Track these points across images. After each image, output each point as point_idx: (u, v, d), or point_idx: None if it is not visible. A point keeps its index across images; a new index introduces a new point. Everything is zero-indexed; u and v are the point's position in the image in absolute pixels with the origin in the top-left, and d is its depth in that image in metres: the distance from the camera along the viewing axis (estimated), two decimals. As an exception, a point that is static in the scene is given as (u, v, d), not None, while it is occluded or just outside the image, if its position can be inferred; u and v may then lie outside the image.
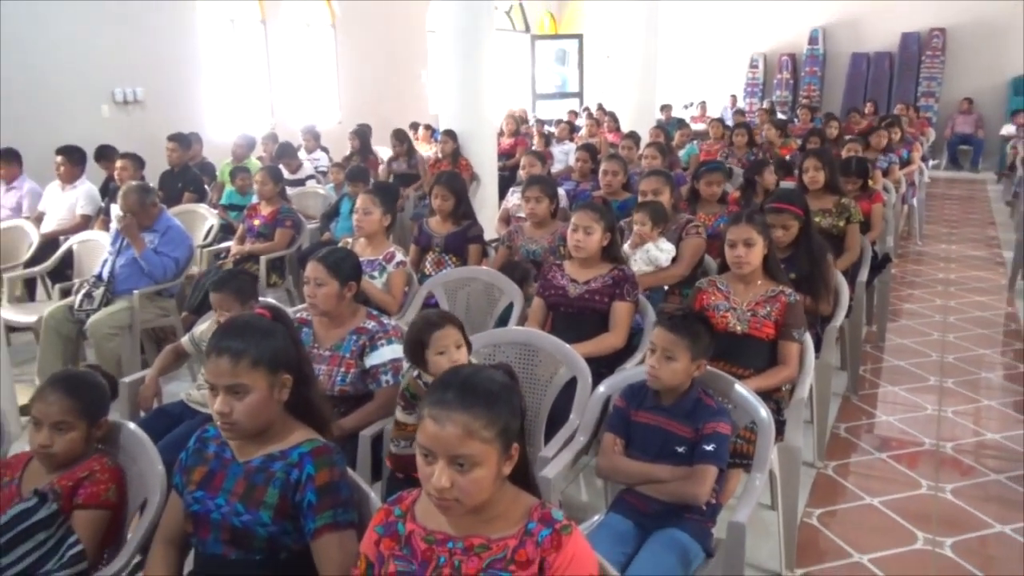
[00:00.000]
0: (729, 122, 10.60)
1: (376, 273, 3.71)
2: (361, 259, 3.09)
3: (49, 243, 5.29)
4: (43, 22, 7.51)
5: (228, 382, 1.68)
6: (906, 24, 13.91)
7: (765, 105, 13.41)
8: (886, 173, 6.93)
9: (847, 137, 7.82)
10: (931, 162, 11.08)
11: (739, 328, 2.88)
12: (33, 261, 5.13)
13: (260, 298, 3.16)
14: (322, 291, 2.70)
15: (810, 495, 3.26)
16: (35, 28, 7.44)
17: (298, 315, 2.91)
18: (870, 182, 5.21)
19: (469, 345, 2.38)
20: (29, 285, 5.33)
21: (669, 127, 9.53)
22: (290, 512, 1.69)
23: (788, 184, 5.05)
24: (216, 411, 1.70)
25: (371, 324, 2.75)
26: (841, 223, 4.40)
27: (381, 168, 8.15)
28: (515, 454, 1.45)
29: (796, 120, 11.68)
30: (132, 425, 2.16)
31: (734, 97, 14.59)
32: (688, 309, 2.77)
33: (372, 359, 2.68)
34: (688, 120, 11.84)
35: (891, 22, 13.99)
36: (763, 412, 2.35)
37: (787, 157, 6.71)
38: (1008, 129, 11.94)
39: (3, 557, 1.86)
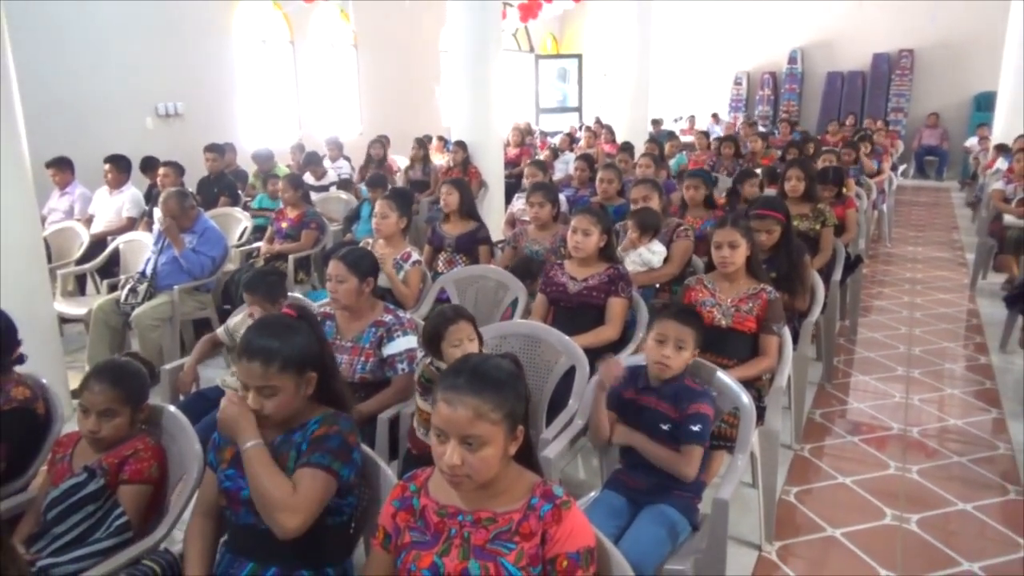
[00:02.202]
0: (714, 135, 10.57)
1: (395, 271, 3.71)
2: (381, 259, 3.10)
3: (98, 243, 5.31)
4: (94, 43, 7.53)
5: (259, 384, 1.68)
6: (877, 45, 13.85)
7: (748, 119, 13.39)
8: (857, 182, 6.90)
9: (824, 148, 7.79)
10: (900, 169, 11.03)
11: (724, 322, 2.88)
12: (83, 259, 5.15)
13: (290, 294, 3.16)
14: (343, 287, 2.71)
15: (788, 474, 3.25)
16: (86, 48, 7.45)
17: (322, 309, 2.91)
18: (844, 189, 5.19)
19: (480, 338, 2.38)
20: (80, 281, 5.35)
21: (660, 139, 9.51)
22: None
23: (771, 191, 5.03)
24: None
25: (388, 317, 2.75)
26: (817, 226, 4.39)
27: (398, 175, 8.14)
28: (520, 435, 1.46)
29: (776, 133, 11.65)
30: (172, 408, 2.16)
31: (716, 115, 14.58)
32: (682, 302, 2.76)
33: (389, 349, 2.68)
34: (678, 132, 11.82)
35: (863, 43, 13.93)
36: (745, 399, 2.35)
37: (768, 166, 6.70)
38: (971, 142, 11.87)
39: (57, 526, 1.87)
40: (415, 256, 3.81)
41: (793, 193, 4.49)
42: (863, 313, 5.43)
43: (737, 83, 15.38)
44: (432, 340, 2.33)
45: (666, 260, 3.86)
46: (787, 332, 2.97)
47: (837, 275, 4.28)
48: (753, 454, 2.58)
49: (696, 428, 2.16)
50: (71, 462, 2.00)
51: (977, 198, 9.30)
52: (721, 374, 2.42)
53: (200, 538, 1.80)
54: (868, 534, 2.82)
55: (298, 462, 1.68)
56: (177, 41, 8.42)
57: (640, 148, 8.14)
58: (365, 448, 1.84)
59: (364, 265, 2.76)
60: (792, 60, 14.68)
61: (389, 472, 1.85)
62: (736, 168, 7.28)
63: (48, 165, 5.76)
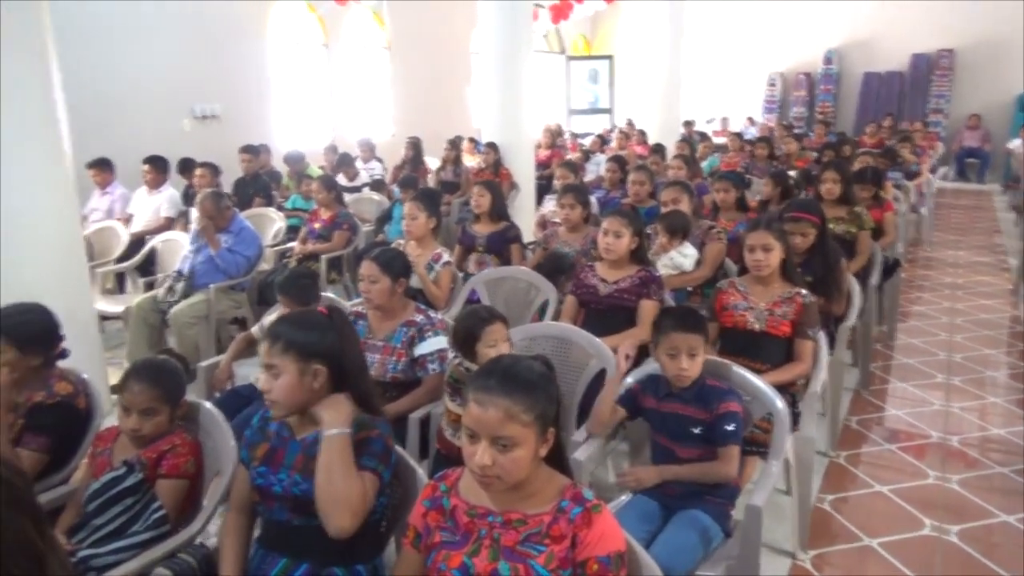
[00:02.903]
0: (748, 137, 10.46)
1: (426, 272, 3.73)
2: (412, 258, 3.12)
3: (137, 242, 5.41)
4: (133, 46, 7.69)
5: (266, 362, 1.72)
6: (916, 45, 13.56)
7: (783, 121, 13.22)
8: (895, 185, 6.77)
9: (860, 151, 7.66)
10: (940, 171, 10.79)
11: (757, 326, 2.84)
12: (123, 258, 5.25)
13: (323, 294, 3.20)
14: (376, 287, 2.73)
15: (823, 482, 3.19)
16: (127, 51, 7.62)
17: (354, 308, 2.94)
18: (881, 192, 5.09)
19: (509, 343, 2.39)
20: (119, 279, 5.46)
21: (693, 142, 9.42)
22: None
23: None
24: (261, 387, 1.74)
25: (419, 317, 2.76)
26: (854, 230, 4.31)
27: (430, 176, 8.19)
28: (551, 438, 1.45)
29: (811, 135, 11.48)
30: (208, 404, 2.20)
31: (751, 118, 14.36)
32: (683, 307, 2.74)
33: (420, 349, 2.70)
34: (710, 134, 11.71)
35: (902, 43, 13.65)
36: (779, 404, 2.32)
37: (803, 168, 6.60)
38: (1015, 143, 11.56)
39: (97, 518, 1.91)
40: (446, 257, 3.83)
41: (829, 196, 4.42)
42: (901, 318, 5.32)
43: (771, 84, 15.18)
44: (466, 341, 2.34)
45: (698, 263, 3.83)
46: (823, 337, 2.92)
47: (874, 279, 4.21)
48: (787, 460, 2.53)
49: (731, 428, 2.14)
50: (111, 456, 2.04)
51: (1022, 202, 9.07)
52: (751, 376, 2.39)
53: (234, 533, 1.83)
54: (906, 544, 2.76)
55: None
56: (214, 44, 8.57)
57: (672, 150, 8.07)
58: (397, 448, 1.85)
59: (396, 266, 2.77)
60: (828, 60, 14.45)
61: (420, 472, 1.86)
62: (770, 170, 7.18)
63: (89, 166, 5.89)
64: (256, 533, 1.85)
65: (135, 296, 4.68)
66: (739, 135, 9.76)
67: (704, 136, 10.66)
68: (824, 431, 3.40)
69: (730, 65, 15.30)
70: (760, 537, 2.01)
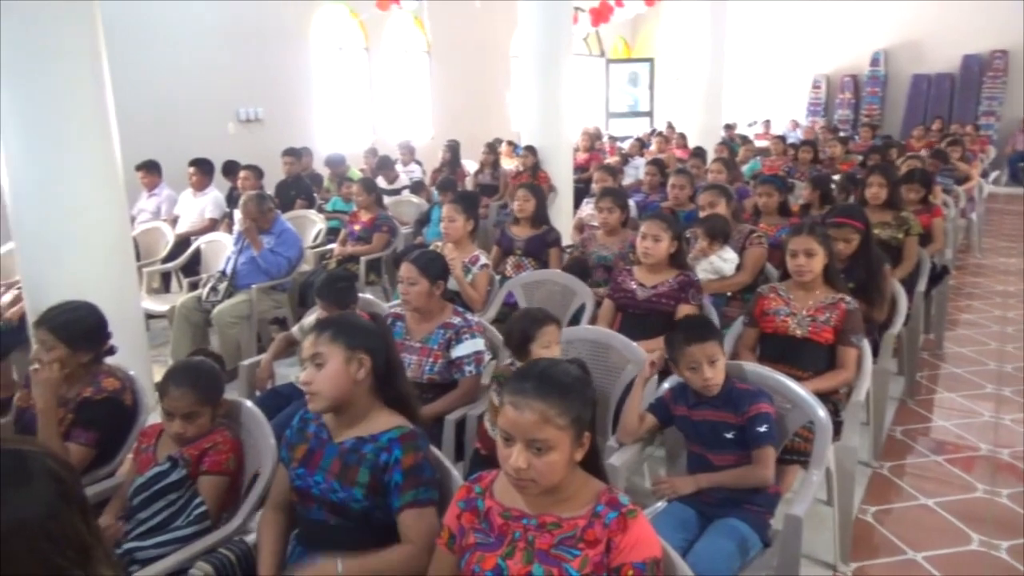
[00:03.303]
0: (791, 141, 10.28)
1: (463, 273, 3.74)
2: (450, 261, 3.14)
3: (182, 242, 5.54)
4: (180, 51, 7.89)
5: (310, 352, 1.74)
6: (967, 46, 13.20)
7: (828, 124, 12.98)
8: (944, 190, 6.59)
9: (908, 154, 7.48)
10: (992, 175, 10.47)
11: (799, 332, 2.79)
12: (168, 258, 5.39)
13: (360, 295, 3.23)
14: (414, 289, 2.75)
15: (866, 493, 3.12)
16: (174, 56, 7.82)
17: (392, 310, 2.96)
18: (930, 197, 4.96)
19: (560, 346, 2.44)
20: (165, 278, 5.59)
21: (733, 145, 9.30)
22: (380, 489, 1.71)
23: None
24: (302, 381, 1.75)
25: (457, 320, 2.78)
26: (900, 235, 4.20)
27: (468, 179, 8.23)
28: (586, 442, 1.45)
29: (857, 138, 11.24)
30: (249, 403, 2.24)
31: (795, 121, 14.12)
32: (698, 317, 2.69)
33: (457, 351, 2.71)
34: (752, 137, 11.55)
35: (953, 44, 13.29)
36: (821, 412, 2.27)
37: (848, 172, 6.47)
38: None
39: (142, 512, 1.96)
40: (483, 259, 3.84)
41: (874, 200, 4.32)
42: (950, 327, 5.17)
43: (816, 86, 14.92)
44: (521, 341, 2.40)
45: (738, 268, 3.78)
46: (866, 344, 2.86)
47: (921, 286, 4.10)
48: (829, 470, 2.48)
49: (763, 429, 2.12)
50: (155, 452, 2.09)
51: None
52: (792, 384, 2.35)
53: (272, 529, 1.86)
54: (952, 559, 2.68)
55: (401, 500, 1.69)
56: (258, 49, 8.75)
57: (712, 154, 7.98)
58: (434, 450, 1.86)
59: (435, 268, 2.79)
60: (875, 62, 14.15)
61: (456, 474, 1.87)
62: (813, 174, 7.05)
63: (138, 168, 6.06)
64: (295, 531, 1.88)
65: (180, 295, 4.79)
66: (782, 138, 9.60)
67: (746, 139, 10.51)
68: (867, 441, 3.32)
69: (774, 67, 15.08)
70: (800, 547, 1.98)
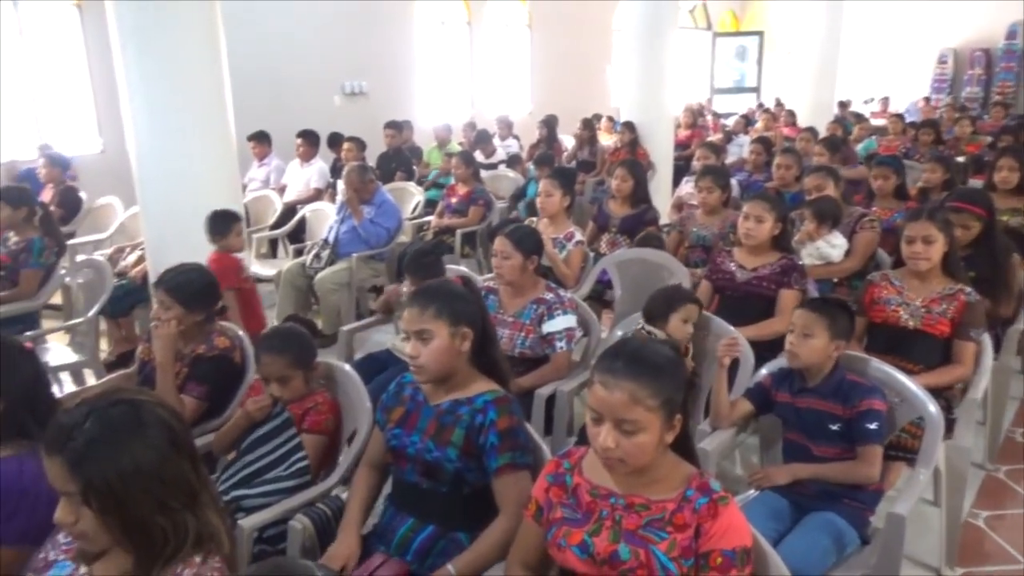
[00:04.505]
0: (914, 119, 9.63)
1: (557, 250, 3.73)
2: (544, 236, 3.13)
3: (289, 211, 5.78)
4: (290, 26, 8.17)
5: (416, 328, 1.76)
6: (1124, 16, 11.95)
7: (955, 102, 12.08)
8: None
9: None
10: None
11: (911, 323, 2.63)
12: (276, 225, 5.64)
13: (453, 267, 3.29)
14: (508, 263, 2.76)
15: (977, 496, 2.93)
16: (283, 33, 8.11)
17: (486, 284, 2.99)
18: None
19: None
20: (272, 245, 5.86)
21: (847, 124, 8.80)
22: (473, 452, 1.75)
23: (976, 182, 4.51)
24: (407, 354, 1.79)
25: (549, 295, 2.78)
26: (1033, 223, 3.88)
27: (565, 155, 8.18)
28: (677, 424, 1.42)
29: (987, 117, 10.42)
30: (347, 367, 2.32)
31: (927, 99, 13.11)
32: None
33: (549, 326, 2.71)
34: (867, 115, 10.90)
35: (1106, 14, 12.06)
36: (932, 408, 2.14)
37: (975, 154, 6.01)
38: None
39: (249, 455, 2.08)
40: (578, 236, 3.81)
41: (1004, 185, 4.00)
42: (1083, 324, 4.74)
43: (942, 61, 13.90)
44: (661, 309, 2.55)
45: (847, 253, 3.59)
46: (987, 339, 2.66)
47: (1054, 279, 3.77)
48: (937, 469, 2.35)
49: (873, 426, 2.02)
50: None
51: None
52: (901, 376, 2.22)
53: (363, 486, 1.93)
54: (1073, 574, 2.49)
55: (498, 461, 1.72)
56: (364, 24, 8.95)
57: (823, 132, 7.59)
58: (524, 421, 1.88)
59: (529, 243, 2.80)
60: (1011, 35, 13.02)
61: (545, 448, 1.88)
62: (932, 153, 6.60)
63: (249, 138, 6.34)
64: (387, 491, 1.94)
65: (285, 261, 5.01)
66: (900, 116, 9.00)
67: (860, 117, 9.93)
68: (983, 442, 3.11)
69: (895, 40, 14.12)
70: (902, 548, 1.88)
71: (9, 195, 3.83)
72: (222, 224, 3.47)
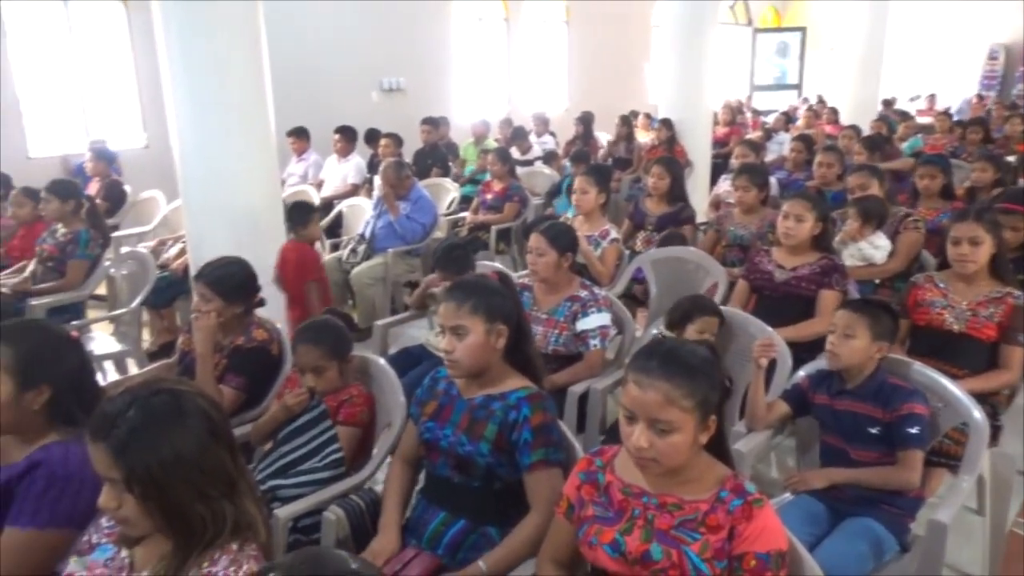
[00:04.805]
0: (961, 117, 9.36)
1: (592, 247, 3.72)
2: (579, 234, 3.12)
3: (326, 205, 5.84)
4: (327, 24, 8.26)
5: (452, 323, 1.76)
6: None
7: (1005, 99, 11.71)
8: None
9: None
10: None
11: (956, 327, 2.56)
12: (314, 220, 5.69)
13: (487, 263, 3.30)
14: (543, 260, 2.76)
15: (1023, 506, 2.84)
16: (321, 28, 8.20)
17: (520, 280, 2.99)
18: None
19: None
20: (309, 239, 5.92)
21: (891, 122, 8.59)
22: (506, 447, 1.75)
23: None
24: (442, 349, 1.80)
25: (584, 293, 2.77)
26: (1086, 226, 3.73)
27: (601, 152, 8.13)
28: (712, 425, 1.41)
29: (1039, 115, 10.08)
30: (382, 361, 2.34)
31: (980, 96, 12.71)
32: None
33: (583, 324, 2.70)
34: (913, 113, 10.63)
35: None
36: (977, 414, 2.08)
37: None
38: None
39: (285, 446, 2.12)
40: (613, 234, 3.79)
41: (1057, 185, 3.87)
42: None
43: (992, 57, 13.50)
44: (681, 318, 2.58)
45: (891, 254, 3.51)
46: (1036, 345, 2.58)
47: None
48: (982, 477, 2.29)
49: (915, 431, 1.97)
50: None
51: None
52: (945, 381, 2.16)
53: (398, 481, 1.95)
54: (1124, 589, 2.40)
55: (531, 458, 1.72)
56: (402, 21, 9.00)
57: (868, 131, 7.42)
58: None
59: (564, 240, 2.79)
60: (1067, 30, 12.59)
61: (577, 446, 1.88)
62: (980, 152, 6.41)
63: (288, 134, 6.43)
64: (420, 485, 1.96)
65: (323, 255, 5.06)
66: (947, 114, 8.76)
67: (906, 115, 9.70)
68: (1029, 450, 3.02)
69: (942, 36, 13.74)
70: (943, 556, 1.84)
71: (58, 188, 3.95)
72: (302, 215, 3.63)
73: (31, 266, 3.95)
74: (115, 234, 4.98)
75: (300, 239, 3.56)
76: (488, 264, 3.33)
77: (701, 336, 2.50)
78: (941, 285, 2.67)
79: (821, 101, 11.33)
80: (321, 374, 2.16)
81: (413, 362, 3.01)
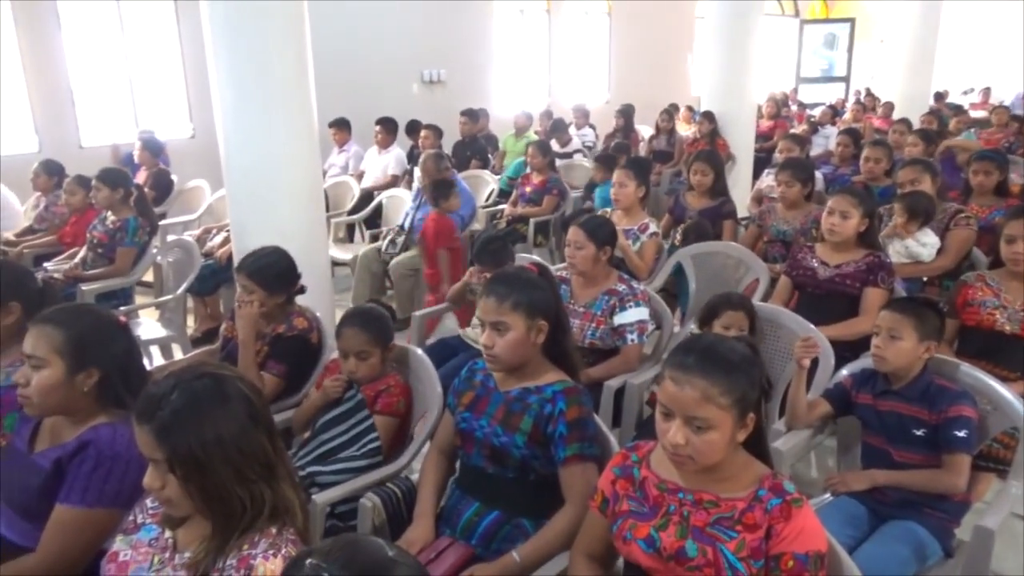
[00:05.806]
0: (1018, 111, 9.04)
1: (631, 241, 3.69)
2: (618, 228, 3.10)
3: (366, 196, 5.90)
4: (369, 16, 8.31)
5: (493, 319, 1.76)
6: None
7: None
8: None
9: None
10: None
11: (1008, 328, 2.48)
12: (354, 210, 5.77)
13: (525, 255, 3.30)
14: (580, 253, 2.75)
15: (1074, 514, 2.74)
16: (364, 21, 8.26)
17: (558, 273, 2.98)
18: None
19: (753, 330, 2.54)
20: (349, 229, 5.99)
21: (943, 116, 8.33)
22: (541, 440, 1.75)
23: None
24: (482, 343, 1.80)
25: (622, 287, 2.75)
26: None
27: (642, 145, 8.06)
28: (750, 423, 1.39)
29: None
30: (419, 351, 2.36)
31: None
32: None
33: (620, 318, 2.69)
34: (966, 107, 10.30)
35: None
36: (1029, 418, 2.01)
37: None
38: None
39: (324, 434, 2.16)
40: (652, 228, 3.75)
41: (1119, 183, 3.72)
42: None
43: (1052, 49, 12.97)
44: (706, 314, 2.57)
45: (940, 251, 3.41)
46: (1093, 347, 2.49)
47: None
48: (1031, 483, 2.22)
49: (962, 434, 1.91)
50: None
51: None
52: (994, 383, 2.09)
53: (433, 471, 1.96)
54: None
55: (566, 452, 1.72)
56: (444, 13, 9.03)
57: (917, 124, 7.22)
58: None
59: (602, 233, 2.77)
60: None
61: (613, 440, 1.87)
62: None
63: (330, 125, 6.50)
64: (455, 475, 1.97)
65: (362, 246, 5.13)
66: (1005, 107, 8.45)
67: (959, 109, 9.40)
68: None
69: (996, 27, 13.26)
70: (989, 563, 1.79)
71: (108, 177, 4.05)
72: (443, 189, 4.18)
73: (81, 252, 4.08)
74: (162, 222, 5.10)
75: (441, 211, 4.11)
76: (526, 257, 3.32)
77: (727, 331, 2.46)
78: (993, 284, 2.59)
79: (870, 94, 11.05)
80: (364, 359, 2.19)
81: (450, 353, 3.03)
